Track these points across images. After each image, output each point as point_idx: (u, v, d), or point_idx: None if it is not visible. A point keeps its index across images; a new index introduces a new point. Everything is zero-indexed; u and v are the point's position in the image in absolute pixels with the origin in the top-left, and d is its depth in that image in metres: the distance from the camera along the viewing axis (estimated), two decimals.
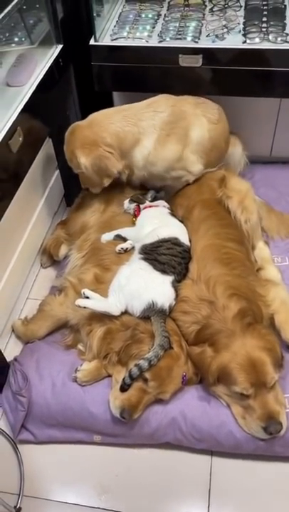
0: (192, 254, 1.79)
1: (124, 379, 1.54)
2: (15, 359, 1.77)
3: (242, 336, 1.55)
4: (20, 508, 1.55)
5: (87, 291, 1.68)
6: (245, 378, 1.50)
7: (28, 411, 1.65)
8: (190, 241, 1.84)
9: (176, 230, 1.85)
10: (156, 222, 1.87)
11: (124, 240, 1.90)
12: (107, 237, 1.93)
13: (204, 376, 1.60)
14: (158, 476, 1.62)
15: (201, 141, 1.99)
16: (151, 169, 1.97)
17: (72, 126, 1.92)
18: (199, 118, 1.99)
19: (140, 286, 1.65)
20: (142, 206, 1.97)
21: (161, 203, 2.02)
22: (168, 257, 1.73)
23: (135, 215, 1.97)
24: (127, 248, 1.86)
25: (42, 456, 1.67)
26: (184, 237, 1.83)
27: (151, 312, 1.63)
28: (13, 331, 1.95)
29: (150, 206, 1.98)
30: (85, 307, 1.66)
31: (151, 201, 1.99)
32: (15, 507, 1.54)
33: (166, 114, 1.93)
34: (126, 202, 2.01)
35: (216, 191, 2.03)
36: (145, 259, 1.73)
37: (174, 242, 1.78)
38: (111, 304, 1.65)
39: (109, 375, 1.67)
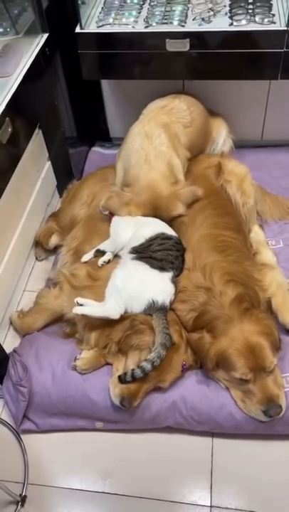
0: (187, 245, 1.77)
1: (125, 376, 1.53)
2: (14, 350, 1.78)
3: (239, 321, 1.56)
4: (25, 496, 1.57)
5: (80, 299, 1.63)
6: (244, 363, 1.51)
7: (29, 401, 1.66)
8: (185, 232, 1.80)
9: (156, 226, 1.79)
10: (132, 225, 1.81)
11: (104, 253, 1.84)
12: (87, 257, 1.86)
13: (203, 362, 1.61)
14: (160, 459, 1.64)
15: (185, 144, 2.04)
16: None
17: None
18: (177, 125, 2.02)
19: (137, 287, 1.63)
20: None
21: None
22: (163, 253, 1.69)
23: (110, 220, 1.89)
24: (109, 260, 1.81)
25: (45, 444, 1.69)
26: (168, 230, 1.79)
27: (153, 310, 1.61)
28: (11, 323, 1.96)
29: None
30: (82, 315, 1.63)
31: None
32: (20, 495, 1.56)
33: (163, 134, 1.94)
34: (101, 203, 1.94)
35: (212, 180, 2.02)
36: (139, 258, 1.69)
37: (163, 237, 1.75)
38: (109, 308, 1.61)
39: (109, 363, 1.68)
